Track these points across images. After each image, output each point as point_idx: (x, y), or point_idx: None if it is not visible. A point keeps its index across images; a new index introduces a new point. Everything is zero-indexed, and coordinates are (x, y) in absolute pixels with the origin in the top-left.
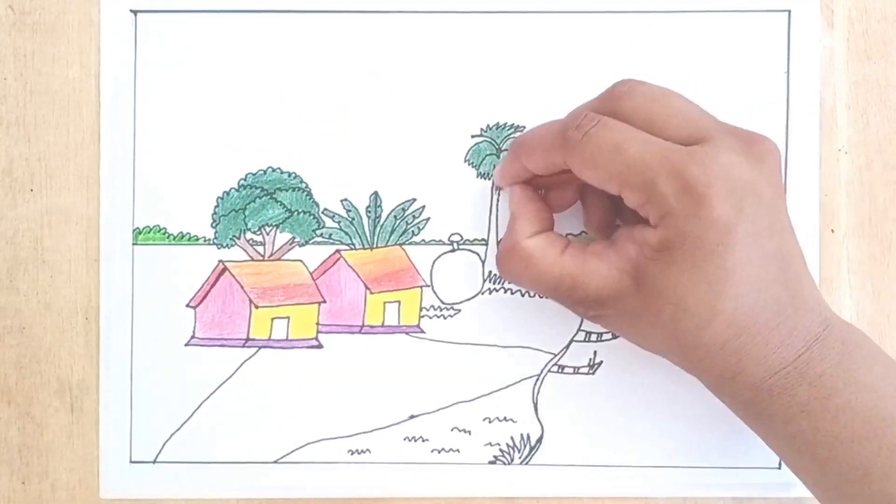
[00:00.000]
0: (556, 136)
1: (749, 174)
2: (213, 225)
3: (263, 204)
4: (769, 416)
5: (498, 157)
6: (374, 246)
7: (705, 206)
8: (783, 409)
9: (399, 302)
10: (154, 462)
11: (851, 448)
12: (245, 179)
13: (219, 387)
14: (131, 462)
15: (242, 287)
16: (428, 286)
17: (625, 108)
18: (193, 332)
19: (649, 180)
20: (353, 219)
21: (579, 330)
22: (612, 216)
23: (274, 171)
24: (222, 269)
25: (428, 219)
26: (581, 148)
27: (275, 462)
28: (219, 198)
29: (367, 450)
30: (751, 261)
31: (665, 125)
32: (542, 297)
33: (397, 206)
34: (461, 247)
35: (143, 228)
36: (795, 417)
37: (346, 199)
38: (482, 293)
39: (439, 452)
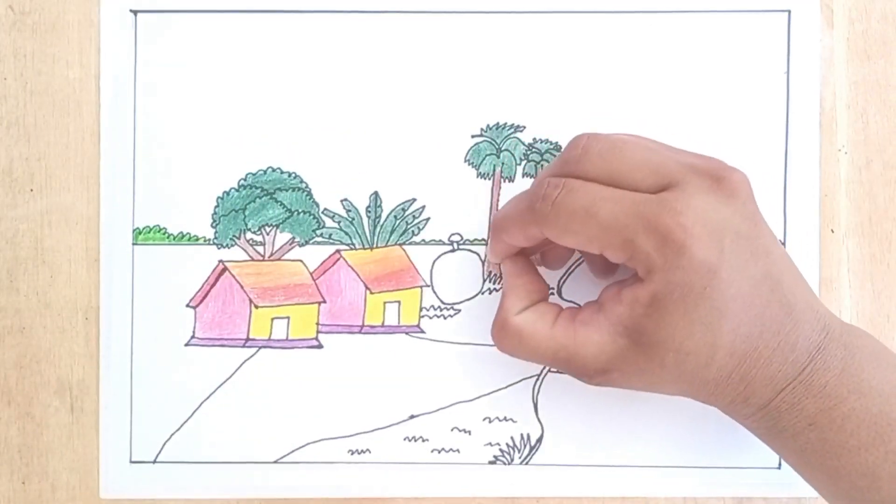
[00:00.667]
0: (526, 211)
1: (723, 213)
2: (213, 225)
3: (263, 204)
4: (780, 431)
5: (498, 156)
6: (374, 246)
7: (686, 254)
8: (792, 424)
9: (399, 302)
10: (154, 462)
11: (859, 455)
12: (245, 179)
13: (219, 387)
14: (131, 462)
15: (242, 287)
16: (428, 286)
17: (585, 169)
18: (193, 332)
19: (627, 240)
20: (353, 219)
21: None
22: (612, 263)
23: (274, 171)
24: (222, 269)
25: (428, 219)
26: (553, 218)
27: (275, 462)
28: (219, 198)
29: (367, 450)
30: (741, 293)
31: (629, 177)
32: None
33: (397, 206)
34: (461, 247)
35: (143, 228)
36: (804, 431)
37: (346, 199)
38: (482, 293)
39: (439, 452)
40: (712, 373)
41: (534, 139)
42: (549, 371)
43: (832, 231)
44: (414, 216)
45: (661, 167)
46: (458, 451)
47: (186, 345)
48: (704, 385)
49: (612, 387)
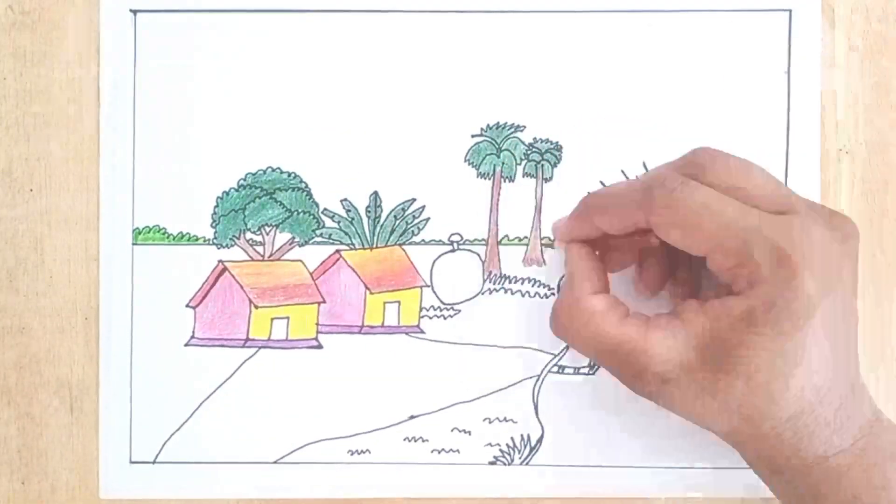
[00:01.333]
0: (638, 194)
1: (837, 251)
2: (213, 225)
3: (263, 204)
4: (822, 498)
5: (498, 156)
6: (374, 246)
7: (797, 277)
8: (835, 493)
9: (399, 302)
10: (154, 462)
11: None
12: (245, 179)
13: (219, 387)
14: (131, 462)
15: (242, 287)
16: (428, 286)
17: (708, 176)
18: (193, 332)
19: (744, 245)
20: (353, 219)
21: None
22: (665, 278)
23: (274, 171)
24: (222, 270)
25: (428, 219)
26: (669, 207)
27: (275, 462)
28: (218, 198)
29: (367, 450)
30: (827, 340)
31: (750, 196)
32: (542, 298)
33: (397, 206)
34: (461, 247)
35: (143, 228)
36: (847, 503)
37: (346, 199)
38: (482, 293)
39: (439, 453)
40: (773, 412)
41: (534, 139)
42: (549, 371)
43: None
44: (414, 216)
45: (783, 194)
46: (458, 451)
47: (186, 345)
48: (759, 425)
49: (659, 402)
